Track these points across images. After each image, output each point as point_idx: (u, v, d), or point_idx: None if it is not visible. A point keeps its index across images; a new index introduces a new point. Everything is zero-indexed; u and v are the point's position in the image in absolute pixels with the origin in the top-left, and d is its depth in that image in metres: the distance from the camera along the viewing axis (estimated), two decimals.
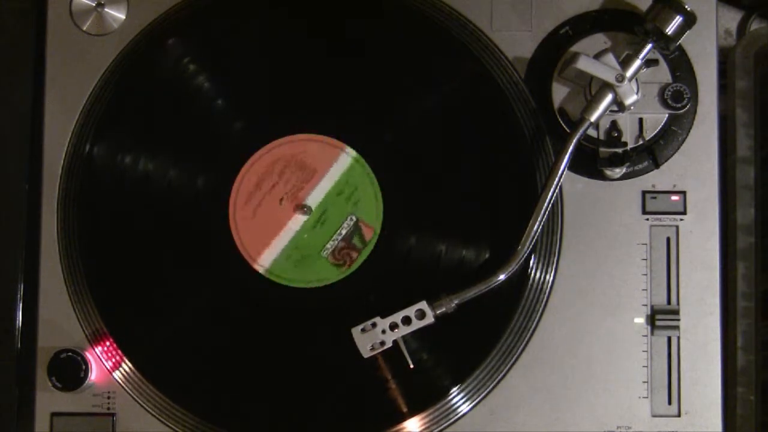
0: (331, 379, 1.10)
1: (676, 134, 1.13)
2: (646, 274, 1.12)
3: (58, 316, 1.12)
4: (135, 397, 1.11)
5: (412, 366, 1.07)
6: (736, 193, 1.13)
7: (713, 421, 1.10)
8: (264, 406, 1.10)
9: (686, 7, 1.07)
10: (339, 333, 1.07)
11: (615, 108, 1.09)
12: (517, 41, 1.14)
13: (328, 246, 1.10)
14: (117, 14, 1.15)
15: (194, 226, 1.12)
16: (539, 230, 1.07)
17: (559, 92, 1.12)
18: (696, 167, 1.13)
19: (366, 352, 1.06)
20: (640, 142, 1.11)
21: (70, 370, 1.09)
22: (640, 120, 1.12)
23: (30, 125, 1.14)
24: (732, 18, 1.25)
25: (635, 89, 1.09)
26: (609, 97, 1.08)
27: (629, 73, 1.08)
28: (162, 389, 1.10)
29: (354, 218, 1.11)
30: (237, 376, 1.10)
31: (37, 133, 1.14)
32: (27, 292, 1.13)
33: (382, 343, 1.06)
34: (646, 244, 1.12)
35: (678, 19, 1.07)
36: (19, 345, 1.12)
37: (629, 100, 1.08)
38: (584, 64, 1.08)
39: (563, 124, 1.11)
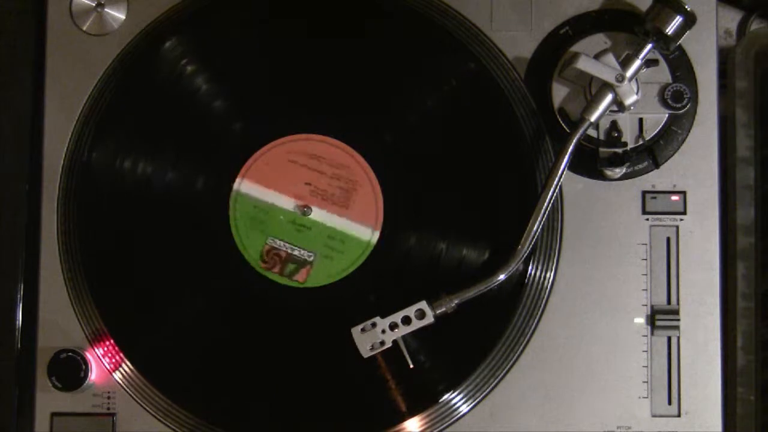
0: (331, 379, 1.10)
1: (676, 134, 1.13)
2: (646, 274, 1.12)
3: (58, 316, 1.12)
4: (135, 397, 1.11)
5: (411, 366, 1.07)
6: (736, 193, 1.13)
7: (713, 421, 1.10)
8: (264, 406, 1.10)
9: (686, 7, 1.07)
10: (339, 333, 1.07)
11: (615, 108, 1.09)
12: (517, 41, 1.14)
13: (277, 241, 1.10)
14: (117, 14, 1.15)
15: (194, 226, 1.12)
16: (539, 230, 1.07)
17: (559, 92, 1.12)
18: (696, 167, 1.13)
19: (366, 352, 1.06)
20: (640, 142, 1.11)
21: (70, 370, 1.09)
22: (640, 120, 1.12)
23: (30, 125, 1.14)
24: (732, 18, 1.25)
25: (635, 89, 1.09)
26: (609, 97, 1.08)
27: (629, 73, 1.08)
28: (162, 389, 1.10)
29: (312, 257, 1.10)
30: (237, 376, 1.10)
31: (37, 133, 1.14)
32: (27, 292, 1.13)
33: (382, 343, 1.06)
34: (646, 244, 1.12)
35: (678, 19, 1.07)
36: (19, 345, 1.12)
37: (629, 100, 1.08)
38: (584, 64, 1.08)
39: (563, 124, 1.11)
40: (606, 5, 1.14)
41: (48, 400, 1.11)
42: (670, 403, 1.11)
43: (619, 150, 1.11)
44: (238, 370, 1.10)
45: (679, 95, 1.11)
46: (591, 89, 1.10)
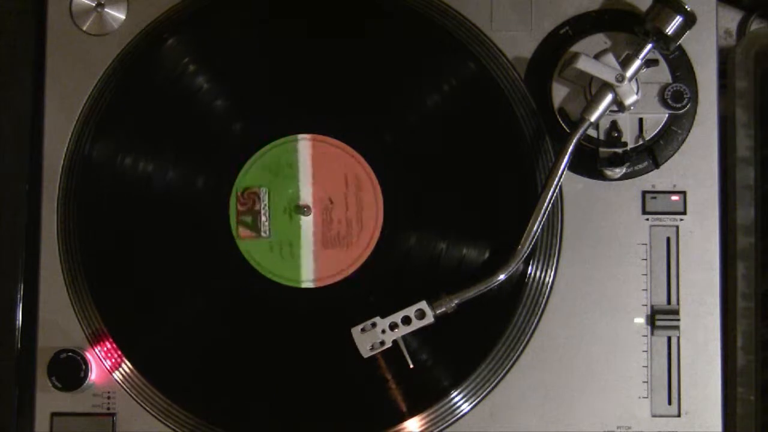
0: (331, 379, 1.10)
1: (676, 134, 1.13)
2: (646, 274, 1.12)
3: (58, 316, 1.12)
4: (135, 397, 1.11)
5: (412, 366, 1.07)
6: (736, 193, 1.13)
7: (713, 421, 1.10)
8: (264, 406, 1.10)
9: (686, 7, 1.07)
10: (339, 333, 1.07)
11: (615, 108, 1.09)
12: (517, 41, 1.14)
13: (265, 196, 1.11)
14: (117, 14, 1.15)
15: (194, 225, 1.12)
16: (539, 230, 1.07)
17: (559, 92, 1.12)
18: (696, 167, 1.13)
19: (366, 352, 1.06)
20: (640, 142, 1.11)
21: (70, 370, 1.09)
22: (640, 120, 1.12)
23: (30, 125, 1.14)
24: (732, 18, 1.25)
25: (635, 89, 1.09)
26: (609, 97, 1.08)
27: (629, 73, 1.08)
28: (162, 389, 1.10)
29: (267, 237, 1.11)
30: (237, 376, 1.10)
31: (37, 133, 1.14)
32: (27, 292, 1.13)
33: (382, 343, 1.06)
34: (646, 244, 1.12)
35: (678, 19, 1.07)
36: (19, 345, 1.12)
37: (629, 100, 1.08)
38: (584, 64, 1.08)
39: (563, 124, 1.11)
40: (606, 5, 1.14)
41: (48, 400, 1.11)
42: (670, 403, 1.11)
43: (619, 150, 1.11)
44: (238, 370, 1.10)
45: (679, 95, 1.11)
46: (591, 89, 1.10)
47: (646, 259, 1.12)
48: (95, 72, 1.15)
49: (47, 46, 1.15)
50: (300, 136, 1.12)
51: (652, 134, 1.12)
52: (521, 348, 1.11)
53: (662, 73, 1.12)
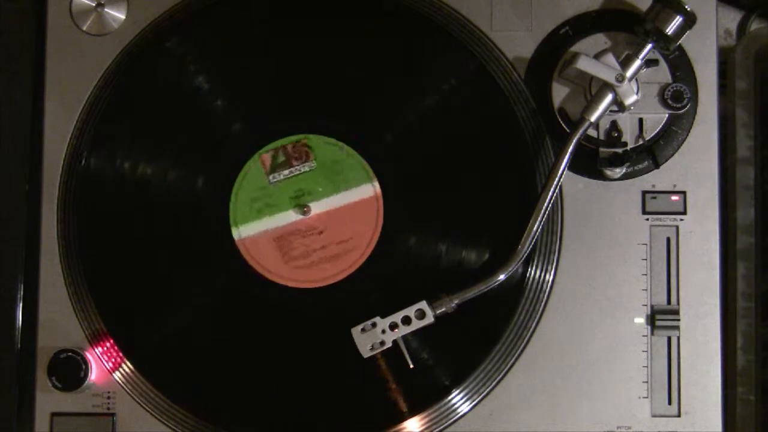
0: (331, 379, 1.10)
1: (676, 134, 1.13)
2: (646, 274, 1.12)
3: (58, 316, 1.12)
4: (135, 397, 1.11)
5: (412, 366, 1.07)
6: (736, 193, 1.13)
7: (713, 421, 1.10)
8: (264, 406, 1.10)
9: (686, 7, 1.07)
10: (339, 333, 1.07)
11: (615, 108, 1.09)
12: (517, 41, 1.14)
13: (305, 168, 1.11)
14: (117, 14, 1.15)
15: (194, 226, 1.12)
16: (539, 230, 1.07)
17: (559, 92, 1.12)
18: (696, 167, 1.13)
19: (366, 352, 1.06)
20: (640, 142, 1.11)
21: (70, 370, 1.09)
22: (640, 120, 1.12)
23: (30, 125, 1.14)
24: (732, 18, 1.25)
25: (635, 89, 1.09)
26: (609, 97, 1.08)
27: (629, 73, 1.08)
28: (162, 389, 1.10)
29: (271, 177, 1.11)
30: (237, 376, 1.10)
31: (37, 133, 1.14)
32: (27, 292, 1.13)
33: (382, 343, 1.06)
34: (646, 244, 1.12)
35: (678, 19, 1.07)
36: (19, 345, 1.12)
37: (629, 100, 1.08)
38: (584, 64, 1.08)
39: (563, 124, 1.11)
40: (606, 5, 1.14)
41: (48, 400, 1.11)
42: (670, 403, 1.11)
43: (619, 150, 1.11)
44: (238, 370, 1.10)
45: (679, 95, 1.11)
46: (591, 89, 1.10)
47: (646, 259, 1.12)
48: (95, 72, 1.15)
49: (47, 46, 1.15)
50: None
51: (652, 134, 1.12)
52: (521, 348, 1.11)
53: (662, 73, 1.12)
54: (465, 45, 1.13)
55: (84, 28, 1.15)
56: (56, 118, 1.14)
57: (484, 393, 1.11)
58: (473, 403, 1.11)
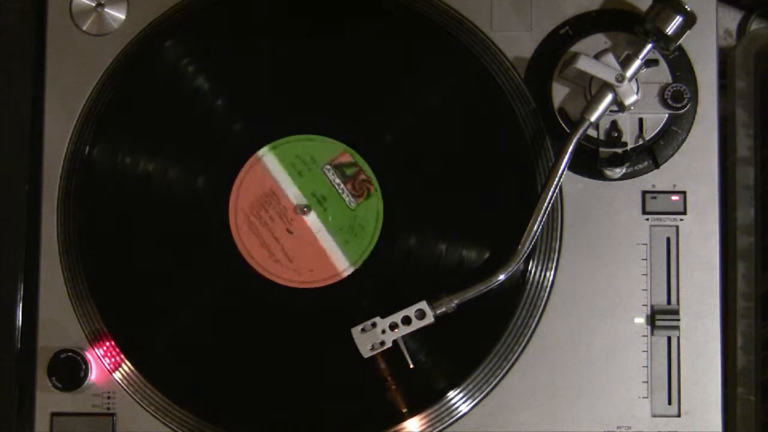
0: (331, 379, 1.10)
1: (676, 134, 1.13)
2: (646, 274, 1.12)
3: (58, 316, 1.12)
4: (135, 397, 1.11)
5: (411, 366, 1.07)
6: (736, 193, 1.13)
7: (713, 421, 1.10)
8: (264, 406, 1.10)
9: (686, 7, 1.07)
10: (339, 333, 1.07)
11: (615, 108, 1.09)
12: (517, 41, 1.14)
13: (345, 198, 1.10)
14: (117, 14, 1.15)
15: (194, 225, 1.12)
16: (539, 230, 1.07)
17: (559, 92, 1.12)
18: (696, 167, 1.13)
19: (366, 352, 1.06)
20: (640, 142, 1.11)
21: (70, 370, 1.09)
22: (640, 120, 1.12)
23: (30, 125, 1.14)
24: (732, 18, 1.25)
25: (635, 89, 1.09)
26: (609, 97, 1.08)
27: (629, 73, 1.08)
28: (162, 389, 1.10)
29: (328, 166, 1.10)
30: (237, 376, 1.10)
31: (37, 133, 1.14)
32: (27, 292, 1.13)
33: (382, 343, 1.06)
34: (646, 244, 1.12)
35: (678, 19, 1.07)
36: (19, 345, 1.12)
37: (629, 100, 1.08)
38: (584, 64, 1.08)
39: (563, 124, 1.11)
40: (606, 5, 1.14)
41: (48, 400, 1.11)
42: (670, 403, 1.11)
43: (619, 150, 1.11)
44: (238, 370, 1.10)
45: (679, 95, 1.11)
46: (591, 89, 1.10)
47: (646, 259, 1.12)
48: (95, 72, 1.15)
49: (47, 46, 1.15)
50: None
51: (652, 134, 1.12)
52: (521, 348, 1.11)
53: (662, 73, 1.12)
54: (465, 45, 1.13)
55: (84, 28, 1.15)
56: (56, 118, 1.14)
57: (484, 393, 1.11)
58: (473, 403, 1.11)
